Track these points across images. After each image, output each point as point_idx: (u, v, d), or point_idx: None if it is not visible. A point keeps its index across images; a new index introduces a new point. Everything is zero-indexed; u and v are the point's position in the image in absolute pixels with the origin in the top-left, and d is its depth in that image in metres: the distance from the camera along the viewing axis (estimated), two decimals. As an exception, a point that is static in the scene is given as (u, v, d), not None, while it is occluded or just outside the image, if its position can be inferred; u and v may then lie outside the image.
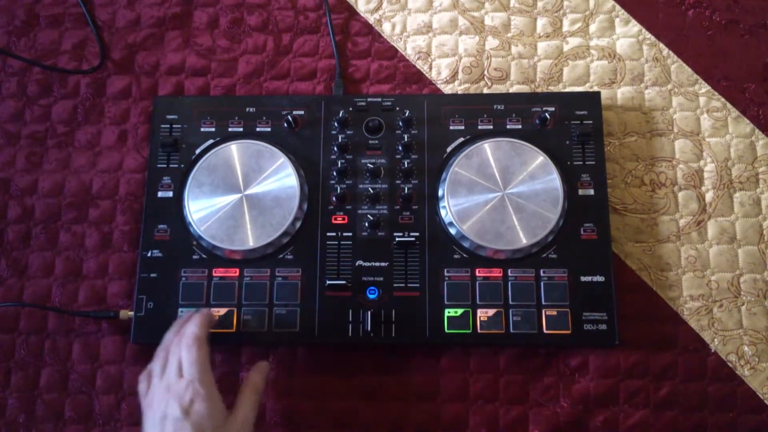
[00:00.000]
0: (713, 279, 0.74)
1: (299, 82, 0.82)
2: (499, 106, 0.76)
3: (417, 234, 0.72)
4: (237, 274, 0.71)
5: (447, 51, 0.82)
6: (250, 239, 0.70)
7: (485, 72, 0.81)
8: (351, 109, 0.76)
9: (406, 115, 0.75)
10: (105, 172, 0.79)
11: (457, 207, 0.71)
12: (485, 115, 0.75)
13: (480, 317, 0.69)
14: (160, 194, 0.74)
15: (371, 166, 0.74)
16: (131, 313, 0.71)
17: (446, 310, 0.70)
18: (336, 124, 0.76)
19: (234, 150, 0.73)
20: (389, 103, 0.76)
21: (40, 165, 0.79)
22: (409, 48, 0.83)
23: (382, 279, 0.71)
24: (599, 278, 0.70)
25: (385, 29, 0.83)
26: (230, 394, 0.72)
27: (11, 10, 0.85)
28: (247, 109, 0.77)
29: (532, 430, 0.70)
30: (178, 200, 0.74)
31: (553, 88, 0.80)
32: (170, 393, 0.58)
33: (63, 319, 0.74)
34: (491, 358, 0.72)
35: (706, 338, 0.72)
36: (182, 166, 0.75)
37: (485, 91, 0.80)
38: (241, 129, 0.76)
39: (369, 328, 0.69)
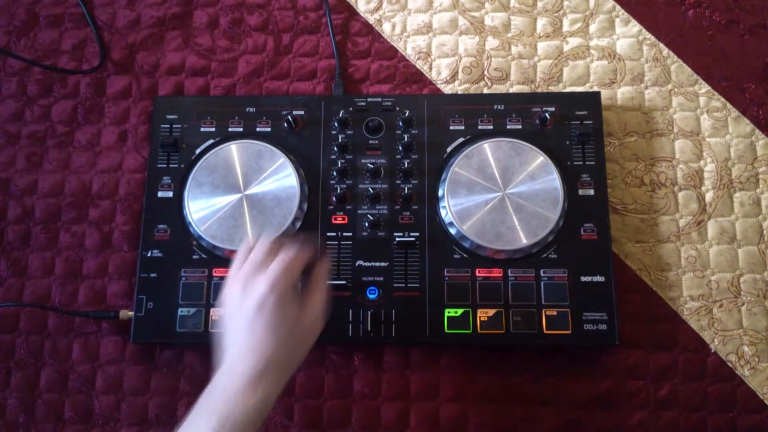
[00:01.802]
0: (713, 279, 0.74)
1: (299, 82, 0.82)
2: (499, 106, 0.76)
3: (417, 234, 0.72)
4: (237, 274, 0.71)
5: (447, 51, 0.82)
6: (250, 239, 0.70)
7: (485, 72, 0.81)
8: (351, 109, 0.76)
9: (406, 115, 0.75)
10: (105, 172, 0.79)
11: (457, 207, 0.71)
12: (485, 115, 0.75)
13: (480, 317, 0.69)
14: (160, 194, 0.74)
15: (371, 166, 0.74)
16: (131, 313, 0.71)
17: (446, 310, 0.70)
18: (336, 124, 0.76)
19: (234, 150, 0.73)
20: (389, 103, 0.76)
21: (40, 165, 0.79)
22: (409, 48, 0.83)
23: (382, 279, 0.71)
24: (599, 278, 0.70)
25: (385, 29, 0.83)
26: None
27: (11, 10, 0.85)
28: (247, 109, 0.77)
29: (532, 430, 0.70)
30: (178, 200, 0.74)
31: (553, 88, 0.80)
32: (247, 287, 0.57)
33: (63, 319, 0.74)
34: (491, 358, 0.72)
35: (706, 338, 0.72)
36: (182, 166, 0.75)
37: (485, 91, 0.80)
38: (241, 129, 0.76)
39: (369, 328, 0.69)
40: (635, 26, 0.82)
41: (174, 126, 0.76)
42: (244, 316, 0.56)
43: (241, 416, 0.52)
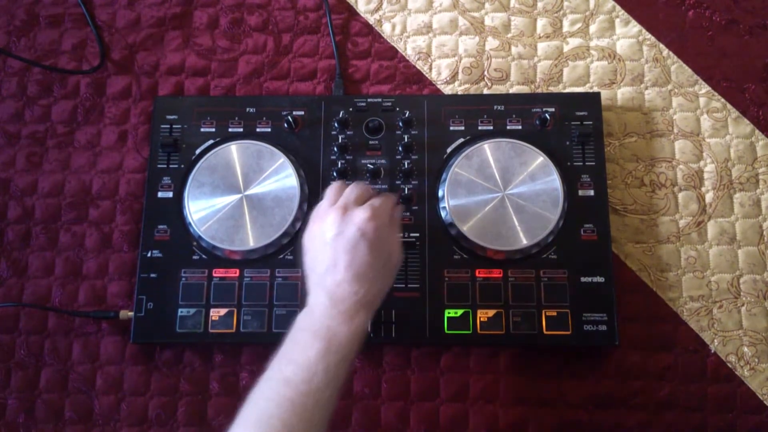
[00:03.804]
0: (713, 280, 0.74)
1: (299, 83, 0.82)
2: (499, 107, 0.76)
3: (417, 234, 0.72)
4: (237, 274, 0.71)
5: (447, 51, 0.82)
6: (251, 239, 0.70)
7: (485, 72, 0.81)
8: (351, 109, 0.76)
9: (406, 115, 0.75)
10: (105, 172, 0.79)
11: (457, 207, 0.71)
12: (485, 116, 0.75)
13: (480, 318, 0.69)
14: (160, 194, 0.74)
15: (371, 166, 0.74)
16: (131, 313, 0.71)
17: (446, 311, 0.70)
18: (336, 124, 0.76)
19: (234, 150, 0.73)
20: (389, 104, 0.76)
21: (40, 165, 0.79)
22: (409, 48, 0.83)
23: (382, 279, 0.71)
24: (599, 279, 0.70)
25: (385, 29, 0.83)
26: (230, 394, 0.72)
27: (11, 10, 0.85)
28: (247, 110, 0.76)
29: (532, 430, 0.70)
30: (178, 200, 0.73)
31: (553, 89, 0.80)
32: (347, 215, 0.58)
33: (63, 319, 0.74)
34: (491, 358, 0.72)
35: (705, 339, 0.72)
36: (182, 166, 0.75)
37: (485, 91, 0.80)
38: (241, 129, 0.76)
39: (369, 329, 0.69)
40: (635, 26, 0.82)
41: (174, 126, 0.76)
42: (345, 240, 0.56)
43: (344, 340, 0.54)
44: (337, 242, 0.57)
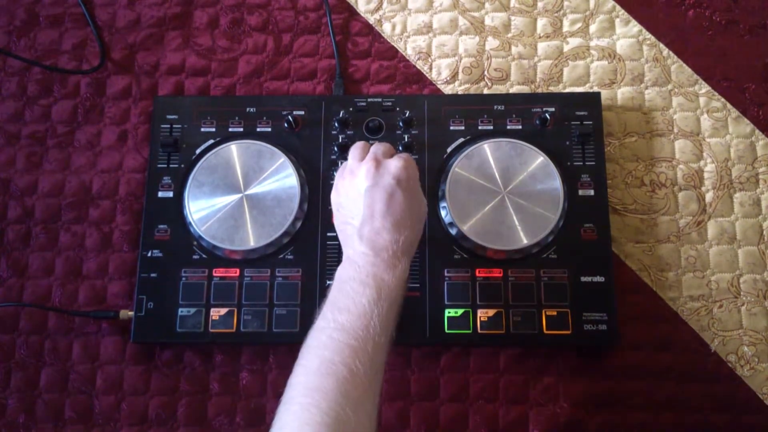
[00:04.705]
0: (713, 279, 0.74)
1: (299, 82, 0.82)
2: (499, 107, 0.76)
3: (417, 234, 0.72)
4: (237, 274, 0.71)
5: (447, 51, 0.82)
6: (251, 239, 0.70)
7: (485, 72, 0.81)
8: (351, 109, 0.76)
9: (407, 115, 0.75)
10: (105, 172, 0.79)
11: (457, 207, 0.71)
12: (485, 116, 0.75)
13: (480, 317, 0.69)
14: (160, 194, 0.74)
15: (371, 166, 0.74)
16: (131, 313, 0.71)
17: (446, 311, 0.70)
18: (336, 124, 0.76)
19: (234, 150, 0.73)
20: (389, 104, 0.76)
21: (40, 165, 0.79)
22: (410, 48, 0.83)
23: (382, 279, 0.71)
24: (599, 278, 0.70)
25: (386, 29, 0.83)
26: (230, 394, 0.72)
27: (11, 10, 0.85)
28: (248, 109, 0.77)
29: (532, 430, 0.70)
30: (178, 200, 0.73)
31: (553, 89, 0.80)
32: (381, 166, 0.60)
33: (63, 319, 0.74)
34: (491, 358, 0.72)
35: (705, 338, 0.72)
36: (182, 166, 0.75)
37: (485, 91, 0.80)
38: (241, 129, 0.76)
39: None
40: (635, 26, 0.82)
41: (174, 126, 0.76)
42: (381, 189, 0.58)
43: (391, 286, 0.56)
44: (373, 192, 0.58)
